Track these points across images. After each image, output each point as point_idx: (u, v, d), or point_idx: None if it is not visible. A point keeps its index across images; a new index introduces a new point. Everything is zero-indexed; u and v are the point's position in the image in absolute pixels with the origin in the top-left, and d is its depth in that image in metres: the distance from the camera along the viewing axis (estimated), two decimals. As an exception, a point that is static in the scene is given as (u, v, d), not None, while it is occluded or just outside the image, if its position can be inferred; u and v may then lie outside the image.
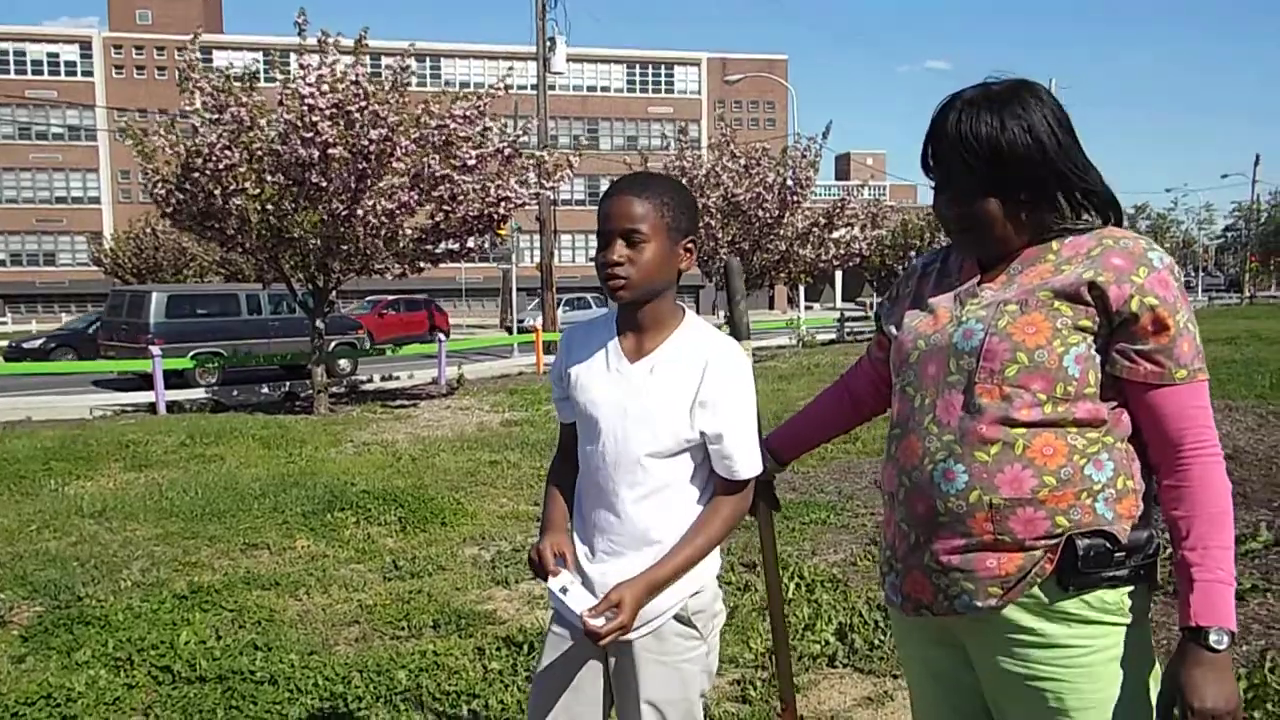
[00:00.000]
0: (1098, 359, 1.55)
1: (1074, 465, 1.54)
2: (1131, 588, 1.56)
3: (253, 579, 5.16)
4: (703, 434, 1.87)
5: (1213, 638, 1.45)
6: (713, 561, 1.98)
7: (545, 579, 1.86)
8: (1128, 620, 1.56)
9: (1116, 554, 1.53)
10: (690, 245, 1.90)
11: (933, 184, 1.67)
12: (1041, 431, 1.54)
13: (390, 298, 30.23)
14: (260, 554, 5.76)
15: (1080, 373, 1.54)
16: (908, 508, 1.65)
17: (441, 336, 19.04)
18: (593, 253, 1.93)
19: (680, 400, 1.87)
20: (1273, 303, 49.38)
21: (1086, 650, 1.54)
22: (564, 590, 1.82)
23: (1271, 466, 7.22)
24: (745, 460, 1.90)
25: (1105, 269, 1.53)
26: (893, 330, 1.78)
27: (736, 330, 2.27)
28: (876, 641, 4.01)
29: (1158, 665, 1.59)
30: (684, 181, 19.39)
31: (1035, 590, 1.55)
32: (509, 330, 28.25)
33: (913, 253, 26.95)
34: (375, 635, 4.34)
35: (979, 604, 1.58)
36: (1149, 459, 1.59)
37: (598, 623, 1.75)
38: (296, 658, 3.98)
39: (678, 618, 1.91)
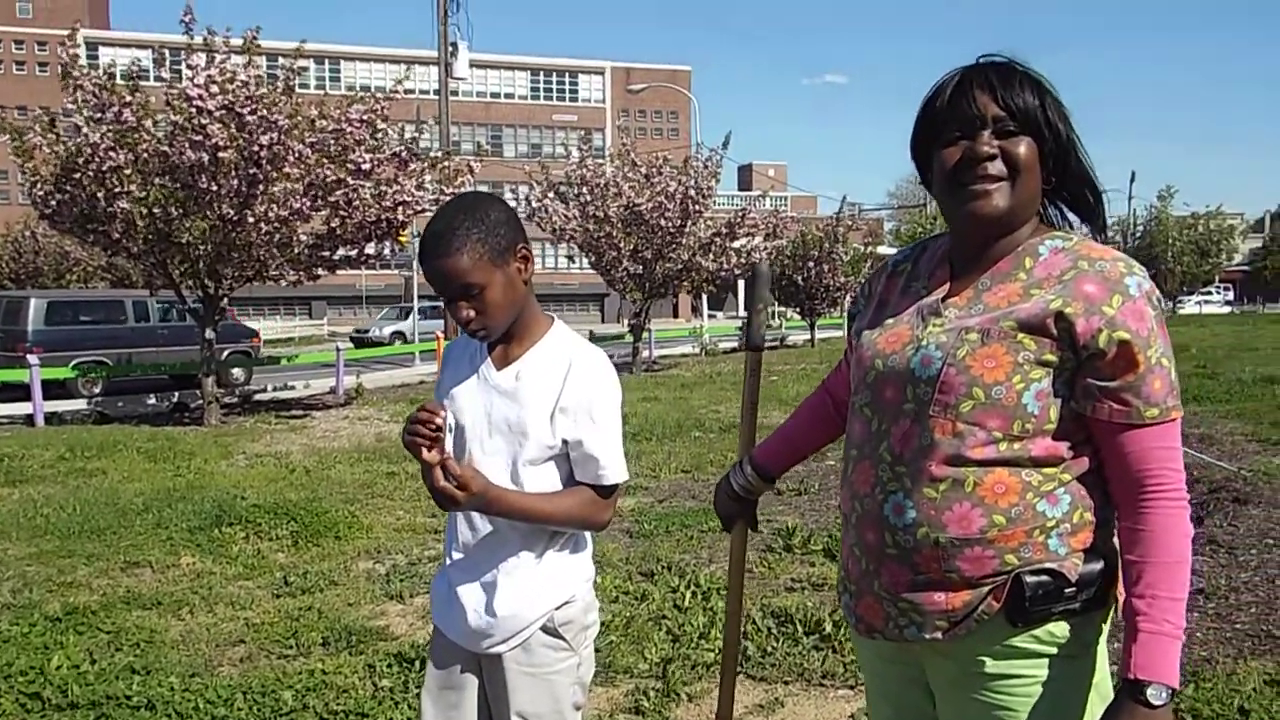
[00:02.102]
0: (1060, 394, 1.48)
1: (1026, 503, 1.47)
2: (1083, 617, 1.51)
3: (133, 599, 4.96)
4: (564, 441, 1.88)
5: (1150, 693, 1.39)
6: (582, 572, 1.99)
7: (428, 437, 1.76)
8: (1075, 651, 1.52)
9: (1067, 590, 1.48)
10: (524, 252, 1.89)
11: (955, 133, 1.52)
12: (994, 469, 1.47)
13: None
14: (142, 572, 5.54)
15: (1040, 410, 1.46)
16: (859, 534, 1.60)
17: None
18: None
19: (543, 407, 1.88)
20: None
21: (1032, 680, 1.51)
22: (451, 428, 1.81)
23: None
24: (610, 466, 1.91)
25: (1076, 297, 1.45)
26: (855, 340, 1.71)
27: (750, 338, 2.11)
28: (769, 649, 4.06)
29: (1110, 688, 1.54)
30: (585, 191, 19.47)
31: (982, 625, 1.51)
32: (354, 343, 26.70)
33: (810, 263, 27.40)
34: (262, 655, 4.21)
35: (926, 636, 1.54)
36: (1110, 494, 1.52)
37: (440, 475, 1.73)
38: (177, 680, 3.83)
39: (545, 629, 1.92)
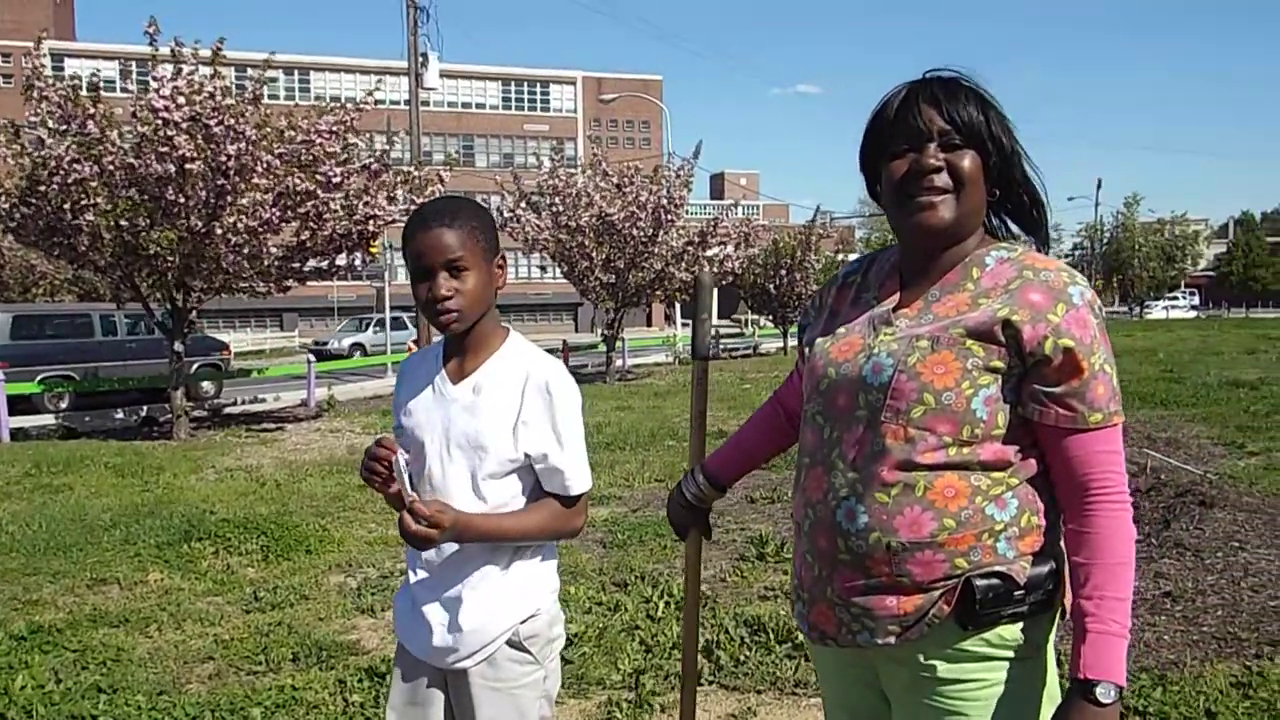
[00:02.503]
0: (1008, 400, 1.51)
1: (975, 506, 1.51)
2: (1032, 620, 1.54)
3: (99, 616, 4.89)
4: (527, 455, 1.88)
5: (1099, 691, 1.43)
6: (547, 584, 1.98)
7: (384, 473, 1.80)
8: (1026, 653, 1.55)
9: (1016, 593, 1.51)
10: (501, 263, 1.93)
11: (903, 146, 1.55)
12: (944, 473, 1.51)
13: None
14: (109, 589, 5.47)
15: (989, 415, 1.50)
16: (811, 540, 1.62)
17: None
18: None
19: (504, 420, 1.87)
20: (1114, 318, 52.51)
21: (985, 684, 1.53)
22: (407, 464, 1.80)
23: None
24: (575, 476, 1.91)
25: (1022, 306, 1.49)
26: (807, 350, 1.73)
27: (696, 348, 2.13)
28: (741, 658, 4.06)
29: (1059, 689, 1.57)
30: (557, 200, 19.49)
31: (934, 630, 1.53)
32: (315, 355, 24.21)
33: (783, 271, 27.53)
34: (231, 671, 4.17)
35: (879, 641, 1.56)
36: (1056, 498, 1.56)
37: (411, 520, 1.73)
38: (144, 699, 3.79)
39: (510, 643, 1.91)
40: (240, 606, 5.11)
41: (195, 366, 17.41)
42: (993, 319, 1.50)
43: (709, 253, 20.62)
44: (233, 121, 10.77)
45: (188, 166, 10.65)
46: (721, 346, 29.36)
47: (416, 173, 13.25)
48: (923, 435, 1.51)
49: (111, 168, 10.86)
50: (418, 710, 1.99)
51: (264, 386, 19.84)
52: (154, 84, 10.80)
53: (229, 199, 11.12)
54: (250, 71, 12.10)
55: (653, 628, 4.48)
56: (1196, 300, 66.94)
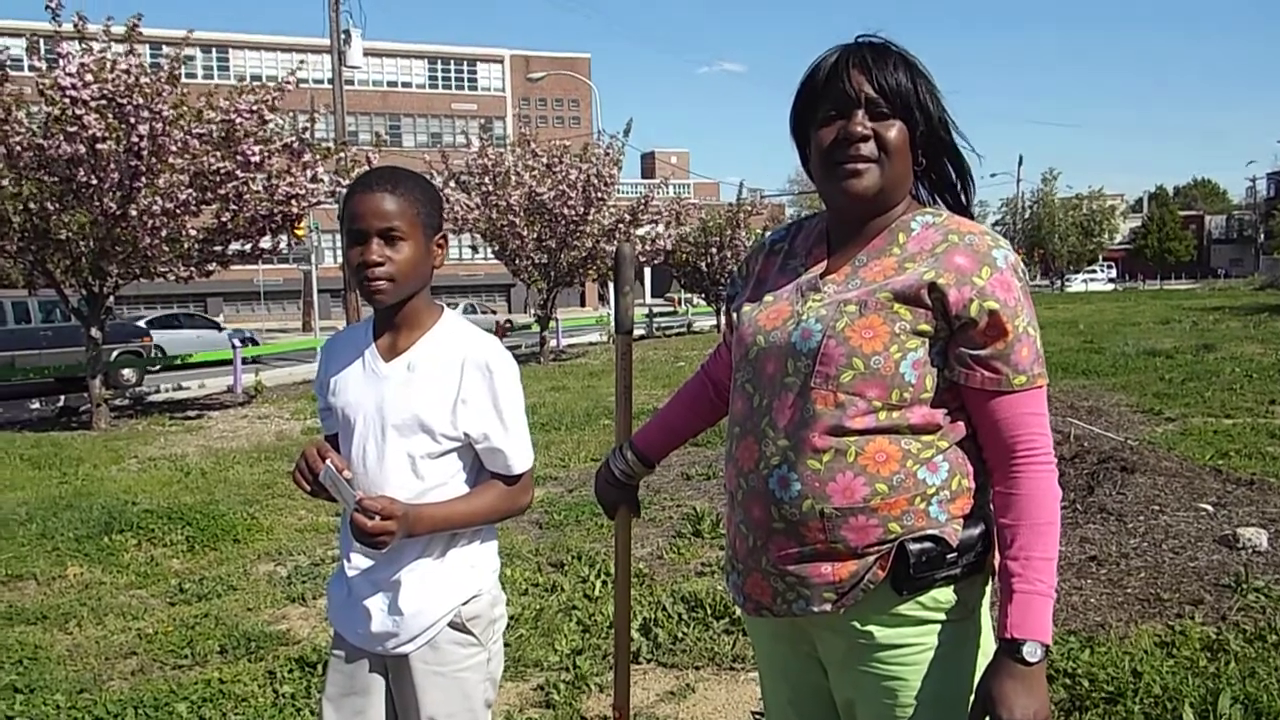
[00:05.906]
0: (936, 364, 1.51)
1: (907, 470, 1.50)
2: (965, 582, 1.55)
3: (15, 614, 4.71)
4: (467, 435, 1.83)
5: (1026, 650, 1.44)
6: (488, 564, 1.94)
7: (316, 477, 1.75)
8: (960, 615, 1.55)
9: (949, 555, 1.51)
10: (442, 242, 1.88)
11: (831, 112, 1.55)
12: (875, 438, 1.50)
13: None
14: (25, 585, 5.27)
15: (917, 379, 1.50)
16: (745, 510, 1.60)
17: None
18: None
19: (441, 399, 1.83)
20: (1037, 291, 53.82)
21: (921, 648, 1.53)
22: (346, 478, 1.75)
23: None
24: (517, 455, 1.88)
25: (947, 269, 1.49)
26: (735, 318, 1.72)
27: (619, 322, 2.11)
28: (679, 635, 4.06)
29: (993, 650, 1.57)
30: (486, 180, 19.25)
31: (869, 595, 1.52)
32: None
33: (714, 249, 27.60)
34: (155, 666, 4.04)
35: (815, 609, 1.55)
36: (985, 459, 1.56)
37: (365, 518, 1.70)
38: (63, 698, 3.65)
39: (453, 625, 1.86)
40: (164, 599, 4.96)
41: (115, 354, 16.88)
42: (919, 282, 1.50)
43: (640, 231, 20.65)
44: (143, 100, 10.40)
45: (99, 146, 10.27)
46: (656, 325, 29.39)
47: (340, 152, 12.94)
48: (852, 400, 1.50)
49: (19, 149, 10.44)
50: (356, 700, 1.92)
51: (188, 374, 19.32)
52: (61, 61, 10.38)
53: (144, 180, 10.76)
54: (166, 49, 11.70)
55: (590, 607, 4.45)
56: (1114, 273, 68.75)
